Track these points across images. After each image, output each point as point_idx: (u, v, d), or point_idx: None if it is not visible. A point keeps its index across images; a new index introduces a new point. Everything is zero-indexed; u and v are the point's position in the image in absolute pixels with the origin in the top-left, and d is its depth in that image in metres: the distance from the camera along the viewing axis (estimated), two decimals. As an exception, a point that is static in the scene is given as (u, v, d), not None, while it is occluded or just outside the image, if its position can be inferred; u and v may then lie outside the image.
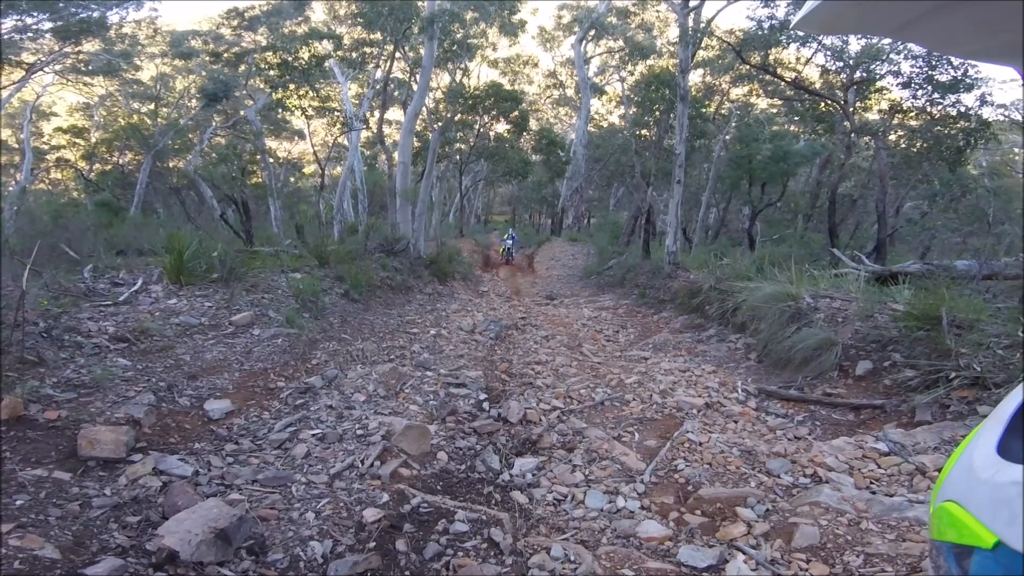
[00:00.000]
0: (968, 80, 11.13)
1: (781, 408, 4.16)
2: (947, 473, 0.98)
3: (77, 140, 23.62)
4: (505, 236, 20.56)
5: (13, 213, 12.80)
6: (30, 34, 14.57)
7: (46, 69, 17.39)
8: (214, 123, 21.39)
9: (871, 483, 2.89)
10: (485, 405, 4.10)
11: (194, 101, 21.32)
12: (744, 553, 2.30)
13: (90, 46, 17.13)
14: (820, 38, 11.68)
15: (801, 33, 11.22)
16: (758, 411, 4.10)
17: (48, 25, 14.26)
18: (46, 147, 24.50)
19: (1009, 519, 0.77)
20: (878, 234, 12.58)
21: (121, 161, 23.43)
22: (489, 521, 2.51)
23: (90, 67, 18.60)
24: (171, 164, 22.21)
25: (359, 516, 2.43)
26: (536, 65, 27.12)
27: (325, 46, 14.84)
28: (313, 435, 3.19)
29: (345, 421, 3.43)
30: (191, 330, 4.49)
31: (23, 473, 2.28)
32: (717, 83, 17.88)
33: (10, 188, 21.58)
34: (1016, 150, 22.58)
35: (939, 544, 0.93)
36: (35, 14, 13.58)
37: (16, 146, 22.43)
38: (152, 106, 21.39)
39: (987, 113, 11.74)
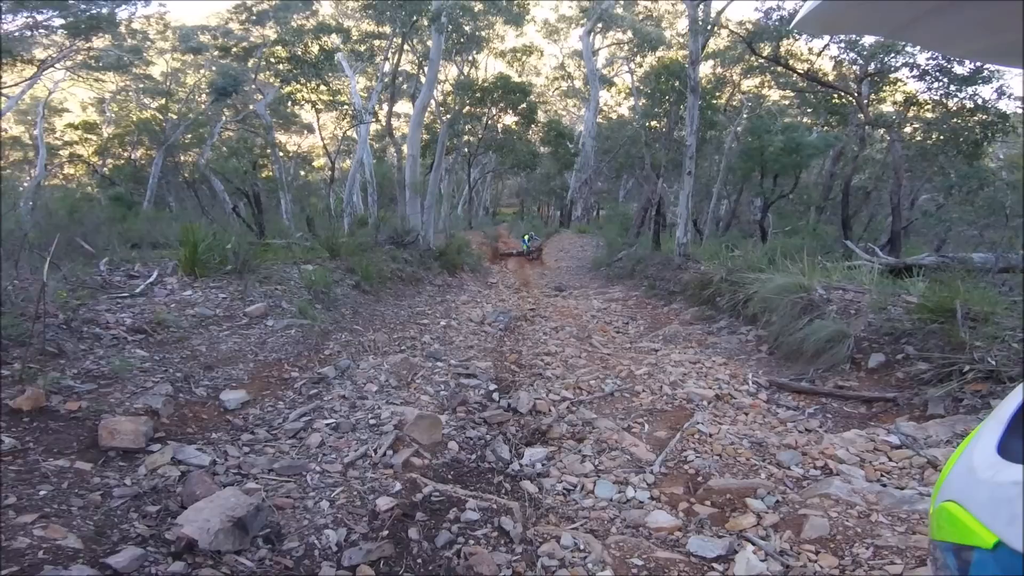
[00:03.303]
0: (986, 72, 10.96)
1: (792, 400, 4.16)
2: (947, 473, 0.99)
3: (89, 136, 23.89)
4: (525, 236, 20.79)
5: (30, 208, 12.99)
6: (41, 31, 14.71)
7: (57, 65, 17.55)
8: (224, 117, 21.53)
9: (882, 476, 2.89)
10: (495, 395, 4.13)
11: (204, 96, 21.46)
12: (753, 544, 2.31)
13: (100, 42, 17.27)
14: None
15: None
16: (769, 403, 4.10)
17: (59, 22, 14.38)
18: (59, 143, 24.78)
19: (1009, 519, 0.77)
20: (892, 227, 12.45)
21: (133, 156, 23.67)
22: (499, 510, 2.53)
23: (100, 63, 18.75)
24: (183, 159, 22.41)
25: (372, 505, 2.46)
26: (542, 55, 26.98)
27: (334, 40, 14.86)
28: (327, 425, 3.22)
29: (358, 411, 3.47)
30: (206, 321, 4.55)
31: (46, 464, 2.32)
32: (728, 74, 17.69)
33: (25, 183, 21.86)
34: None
35: (939, 544, 0.93)
36: (45, 11, 13.70)
37: (29, 142, 22.72)
38: (163, 101, 21.56)
39: (1005, 106, 11.58)
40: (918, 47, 11.34)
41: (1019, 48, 1.06)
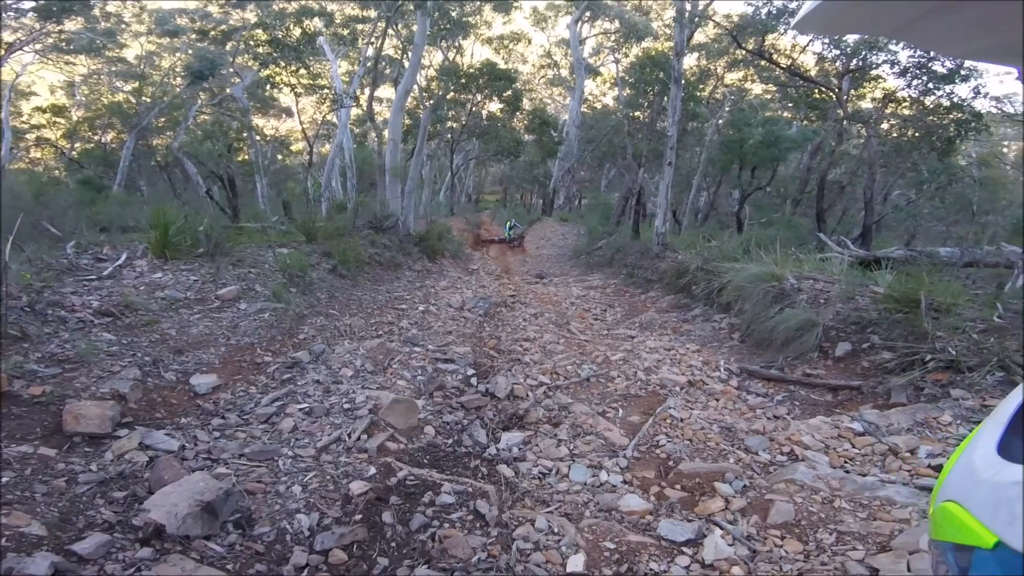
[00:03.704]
0: (964, 71, 11.19)
1: (762, 387, 4.24)
2: (947, 473, 0.98)
3: (58, 119, 23.06)
4: (507, 224, 20.74)
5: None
6: (10, 13, 14.13)
7: (26, 48, 16.89)
8: (199, 100, 20.97)
9: (845, 462, 2.96)
10: (473, 380, 4.14)
11: (179, 79, 20.87)
12: (721, 528, 2.36)
13: (73, 25, 16.63)
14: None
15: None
16: (739, 390, 4.18)
17: (29, 4, 13.82)
18: (25, 126, 23.89)
19: (1009, 519, 0.77)
20: (864, 220, 12.71)
21: (104, 139, 22.95)
22: (475, 493, 2.55)
23: (72, 46, 18.08)
24: (155, 143, 21.80)
25: (346, 489, 2.45)
26: (530, 42, 26.77)
27: (316, 23, 14.55)
28: (300, 409, 3.19)
29: (332, 395, 3.44)
30: (176, 304, 4.45)
31: (8, 450, 2.26)
32: (712, 67, 17.78)
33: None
34: (1005, 143, 22.82)
35: (939, 544, 0.93)
36: (17, -7, 13.17)
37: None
38: (136, 84, 20.90)
39: (980, 105, 11.85)
40: (901, 44, 11.53)
41: (1019, 48, 1.05)
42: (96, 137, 23.03)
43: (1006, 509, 0.79)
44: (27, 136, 23.86)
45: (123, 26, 20.33)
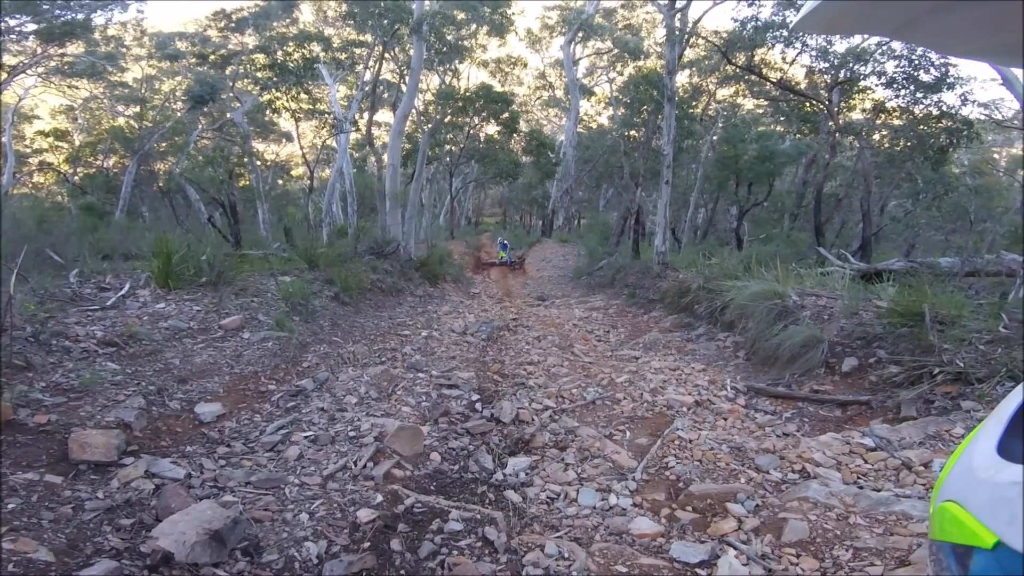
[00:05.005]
0: (950, 79, 11.33)
1: (769, 405, 4.21)
2: (947, 473, 0.98)
3: (60, 143, 23.32)
4: (499, 245, 20.76)
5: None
6: (13, 36, 14.39)
7: (28, 71, 17.16)
8: (200, 125, 21.22)
9: (858, 478, 2.93)
10: (478, 406, 4.11)
11: (180, 103, 21.14)
12: (735, 548, 2.32)
13: (74, 48, 16.93)
14: (805, 38, 11.83)
15: (786, 33, 11.36)
16: (747, 408, 4.15)
17: (31, 27, 14.08)
18: (28, 150, 24.14)
19: (1009, 519, 0.77)
20: (863, 232, 12.77)
21: (106, 164, 23.16)
22: (483, 520, 2.52)
23: (74, 69, 18.38)
24: (157, 168, 22.01)
25: (353, 517, 2.43)
26: (526, 66, 27.19)
27: (314, 48, 14.82)
28: (305, 437, 3.18)
29: (337, 423, 3.42)
30: (180, 334, 4.45)
31: (14, 477, 2.27)
32: (704, 84, 18.04)
33: (-8, 192, 21.23)
34: (996, 149, 23.07)
35: (939, 544, 0.93)
36: (18, 16, 13.41)
37: (-3, 150, 22.11)
38: (137, 109, 21.17)
39: (968, 112, 11.97)
40: (886, 55, 11.71)
41: (1019, 48, 1.06)
42: (98, 162, 23.24)
43: (1006, 509, 0.79)
44: (30, 160, 24.08)
45: (123, 49, 20.64)
